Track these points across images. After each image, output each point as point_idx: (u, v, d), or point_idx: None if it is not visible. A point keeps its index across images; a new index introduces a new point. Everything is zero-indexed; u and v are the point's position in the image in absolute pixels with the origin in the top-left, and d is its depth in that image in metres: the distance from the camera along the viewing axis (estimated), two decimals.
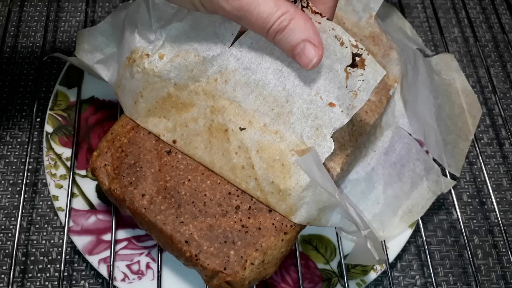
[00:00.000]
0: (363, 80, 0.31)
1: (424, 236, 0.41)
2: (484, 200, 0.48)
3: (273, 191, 0.33)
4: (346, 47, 0.31)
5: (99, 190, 0.43)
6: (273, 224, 0.34)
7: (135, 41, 0.35)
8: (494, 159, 0.50)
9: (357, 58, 0.31)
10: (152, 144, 0.36)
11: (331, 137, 0.33)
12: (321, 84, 0.32)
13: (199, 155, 0.35)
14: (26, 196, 0.45)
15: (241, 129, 0.34)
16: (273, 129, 0.34)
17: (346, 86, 0.32)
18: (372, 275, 0.41)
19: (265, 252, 0.33)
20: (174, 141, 0.36)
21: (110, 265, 0.39)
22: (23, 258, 0.43)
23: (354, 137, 0.39)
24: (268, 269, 0.34)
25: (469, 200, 0.48)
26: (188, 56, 0.34)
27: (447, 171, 0.43)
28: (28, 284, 0.42)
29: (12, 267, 0.38)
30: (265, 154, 0.34)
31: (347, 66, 0.31)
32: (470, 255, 0.40)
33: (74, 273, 0.42)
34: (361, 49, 0.31)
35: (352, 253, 0.37)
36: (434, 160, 0.43)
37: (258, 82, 0.34)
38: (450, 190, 0.43)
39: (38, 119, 0.48)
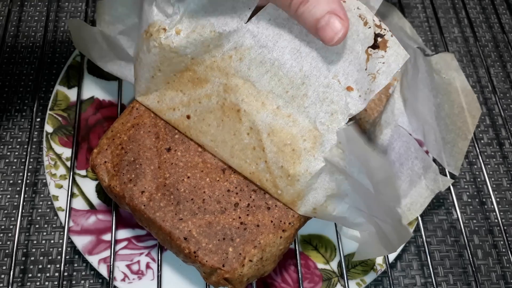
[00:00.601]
0: (383, 63, 0.30)
1: (424, 236, 0.41)
2: (484, 200, 0.48)
3: (282, 175, 0.33)
4: (370, 27, 0.29)
5: (99, 190, 0.43)
6: (272, 221, 0.34)
7: (152, 14, 0.34)
8: (494, 159, 0.50)
9: (379, 39, 0.29)
10: (152, 141, 0.36)
11: (346, 123, 0.32)
12: (340, 66, 0.31)
13: (211, 132, 0.35)
14: (26, 196, 0.45)
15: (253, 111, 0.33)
16: (286, 112, 0.33)
17: (366, 69, 0.30)
18: (372, 275, 0.41)
19: (263, 249, 0.33)
20: (188, 116, 0.35)
21: (110, 265, 0.39)
22: (23, 258, 0.43)
23: None
24: (266, 266, 0.34)
25: (469, 200, 0.48)
26: (204, 32, 0.33)
27: (446, 170, 0.43)
28: (28, 284, 0.42)
29: (12, 267, 0.38)
30: (276, 137, 0.33)
31: (368, 47, 0.30)
32: (470, 255, 0.40)
33: (74, 273, 0.42)
34: (384, 29, 0.29)
35: (358, 250, 0.36)
36: (433, 159, 0.43)
37: (274, 61, 0.33)
38: (450, 190, 0.43)
39: (38, 119, 0.48)
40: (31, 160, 0.46)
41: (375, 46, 0.30)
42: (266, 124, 0.33)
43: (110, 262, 0.38)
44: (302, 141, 0.32)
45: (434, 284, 0.39)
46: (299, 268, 0.39)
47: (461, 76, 0.43)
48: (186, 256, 0.34)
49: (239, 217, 0.34)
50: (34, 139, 0.47)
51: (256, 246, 0.33)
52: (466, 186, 0.48)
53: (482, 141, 0.51)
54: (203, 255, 0.33)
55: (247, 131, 0.33)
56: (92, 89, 0.47)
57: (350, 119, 0.32)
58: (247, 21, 0.32)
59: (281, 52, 0.32)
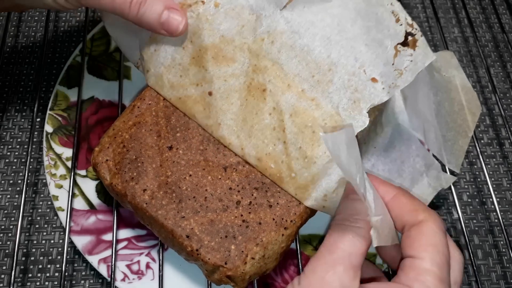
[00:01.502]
0: (411, 61, 0.31)
1: None
2: (484, 200, 0.48)
3: (298, 157, 0.33)
4: (401, 25, 0.31)
5: (99, 190, 0.43)
6: (274, 219, 0.34)
7: None
8: (494, 159, 0.50)
9: (409, 37, 0.31)
10: (153, 140, 0.36)
11: (367, 112, 0.33)
12: (367, 57, 0.32)
13: (233, 111, 0.35)
14: (26, 196, 0.45)
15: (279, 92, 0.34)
16: (310, 95, 0.34)
17: (393, 64, 0.32)
18: None
19: (265, 247, 0.33)
20: (210, 93, 0.36)
21: (112, 265, 0.39)
22: (23, 258, 0.43)
23: None
24: (268, 264, 0.34)
25: (469, 200, 0.48)
26: (243, 12, 0.35)
27: (447, 168, 0.43)
28: (28, 284, 0.42)
29: (14, 267, 0.38)
30: (298, 119, 0.34)
31: (397, 44, 0.31)
32: (471, 255, 0.40)
33: (74, 273, 0.42)
34: (416, 29, 0.31)
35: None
36: (434, 156, 0.43)
37: (304, 47, 0.34)
38: (451, 189, 0.43)
39: (38, 119, 0.48)
40: (31, 160, 0.46)
41: (405, 43, 0.31)
42: (289, 105, 0.34)
43: (112, 262, 0.38)
44: (323, 124, 0.33)
45: None
46: (300, 268, 0.39)
47: (461, 74, 0.43)
48: (189, 254, 0.34)
49: (241, 215, 0.34)
50: (34, 139, 0.47)
51: (258, 244, 0.33)
52: (466, 186, 0.48)
53: (482, 141, 0.51)
54: (205, 253, 0.33)
55: (269, 111, 0.34)
56: (92, 89, 0.47)
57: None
58: (283, 8, 0.34)
59: (311, 38, 0.34)
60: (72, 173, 0.42)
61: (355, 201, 0.30)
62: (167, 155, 0.36)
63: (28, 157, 0.41)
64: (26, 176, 0.40)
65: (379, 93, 0.32)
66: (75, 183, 0.43)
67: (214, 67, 0.36)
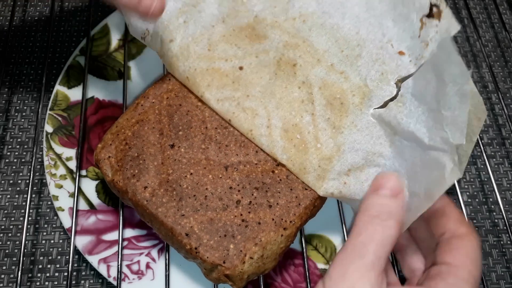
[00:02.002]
0: (436, 32, 0.32)
1: None
2: (484, 200, 0.48)
3: (326, 127, 0.35)
4: None
5: (99, 190, 0.43)
6: (273, 219, 0.34)
7: None
8: (494, 159, 0.50)
9: (434, 9, 0.32)
10: (155, 137, 0.36)
11: (395, 83, 0.34)
12: (395, 32, 0.35)
13: (262, 84, 0.36)
14: (26, 196, 0.45)
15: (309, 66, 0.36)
16: (339, 69, 0.36)
17: (419, 36, 0.33)
18: None
19: (264, 246, 0.33)
20: (241, 68, 0.37)
21: (118, 264, 0.39)
22: (24, 258, 0.43)
23: None
24: (267, 264, 0.34)
25: (469, 200, 0.48)
26: None
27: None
28: (28, 284, 0.42)
29: (20, 269, 0.37)
30: (327, 91, 0.35)
31: (423, 16, 0.33)
32: None
33: (74, 273, 0.42)
34: (440, 0, 0.32)
35: None
36: None
37: (334, 25, 0.36)
38: (452, 189, 0.43)
39: (38, 119, 0.48)
40: (31, 160, 0.46)
41: (430, 15, 0.32)
42: (319, 79, 0.36)
43: (118, 261, 0.38)
44: (352, 96, 0.35)
45: None
46: (306, 267, 0.39)
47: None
48: (188, 252, 0.34)
49: (241, 214, 0.34)
50: (33, 139, 0.47)
51: (257, 244, 0.33)
52: (466, 186, 0.48)
53: (483, 141, 0.51)
54: (204, 252, 0.33)
55: (299, 85, 0.36)
56: (92, 89, 0.47)
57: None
58: None
59: (341, 17, 0.36)
60: (78, 173, 0.41)
61: (386, 197, 0.30)
62: (168, 153, 0.36)
63: (34, 157, 0.41)
64: (32, 176, 0.40)
65: (406, 65, 0.34)
66: (75, 183, 0.43)
67: (247, 45, 0.37)
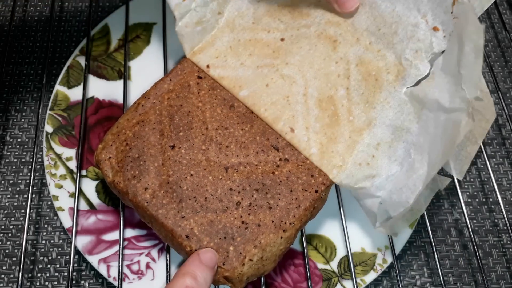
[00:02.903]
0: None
1: (424, 236, 0.41)
2: (484, 200, 0.48)
3: (359, 101, 0.37)
4: None
5: (99, 190, 0.43)
6: (273, 221, 0.34)
7: None
8: (494, 159, 0.50)
9: None
10: (156, 138, 0.36)
11: (428, 61, 0.36)
12: (429, 7, 0.36)
13: (301, 54, 0.39)
14: (26, 196, 0.45)
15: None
16: (376, 48, 0.38)
17: (452, 12, 0.35)
18: (372, 275, 0.41)
19: (264, 249, 0.33)
20: (282, 39, 0.39)
21: (119, 265, 0.39)
22: (23, 258, 0.43)
23: None
24: (266, 266, 0.34)
25: (469, 200, 0.48)
26: None
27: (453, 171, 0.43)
28: (28, 284, 0.42)
29: (21, 269, 0.37)
30: (363, 68, 0.38)
31: None
32: (477, 256, 0.40)
33: (74, 273, 0.42)
34: None
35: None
36: None
37: (372, 4, 0.39)
38: (452, 189, 0.43)
39: (38, 119, 0.48)
40: (31, 160, 0.46)
41: None
42: (356, 57, 0.38)
43: (119, 262, 0.38)
44: (386, 73, 0.37)
45: (434, 284, 0.39)
46: (307, 267, 0.39)
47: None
48: (188, 254, 0.34)
49: (241, 216, 0.34)
50: (33, 139, 0.47)
51: (256, 246, 0.33)
52: (466, 186, 0.48)
53: (483, 141, 0.51)
54: None
55: (336, 60, 0.38)
56: (92, 89, 0.47)
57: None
58: None
59: None
60: (78, 173, 0.41)
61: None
62: (169, 154, 0.36)
63: (35, 158, 0.41)
64: (32, 176, 0.40)
65: (440, 42, 0.36)
66: (75, 183, 0.43)
67: (289, 20, 0.40)
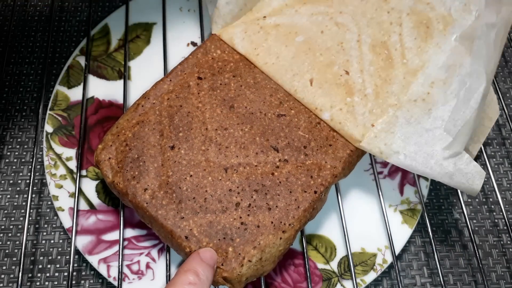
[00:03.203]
0: None
1: (424, 236, 0.41)
2: (484, 200, 0.48)
3: (412, 46, 0.39)
4: None
5: (99, 190, 0.43)
6: (272, 222, 0.34)
7: None
8: (494, 159, 0.50)
9: None
10: (156, 139, 0.36)
11: (475, 13, 0.38)
12: None
13: (354, 4, 0.41)
14: (26, 196, 0.45)
15: None
16: (426, 0, 0.40)
17: None
18: (372, 275, 0.41)
19: (263, 250, 0.33)
20: None
21: (119, 265, 0.39)
22: (23, 258, 0.43)
23: None
24: (265, 267, 0.34)
25: (469, 200, 0.48)
26: None
27: None
28: (28, 284, 0.42)
29: (21, 269, 0.37)
30: (414, 17, 0.40)
31: None
32: (477, 256, 0.40)
33: (74, 273, 0.42)
34: None
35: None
36: None
37: None
38: (452, 189, 0.43)
39: (38, 119, 0.48)
40: (31, 160, 0.46)
41: None
42: (407, 7, 0.40)
43: (119, 262, 0.38)
44: (436, 23, 0.39)
45: (434, 284, 0.39)
46: (307, 268, 0.39)
47: None
48: (187, 255, 0.34)
49: (240, 217, 0.34)
50: (33, 139, 0.47)
51: (255, 247, 0.33)
52: None
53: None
54: None
55: (388, 10, 0.41)
56: (92, 89, 0.47)
57: None
58: None
59: None
60: (78, 173, 0.41)
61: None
62: (169, 155, 0.36)
63: (35, 158, 0.41)
64: (32, 176, 0.40)
65: None
66: (75, 183, 0.43)
67: None
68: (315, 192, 0.35)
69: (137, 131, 0.37)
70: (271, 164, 0.36)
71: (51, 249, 0.43)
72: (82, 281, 0.42)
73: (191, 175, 0.35)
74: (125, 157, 0.36)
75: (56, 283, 0.42)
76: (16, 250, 0.43)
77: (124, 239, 0.41)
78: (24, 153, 0.47)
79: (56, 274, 0.42)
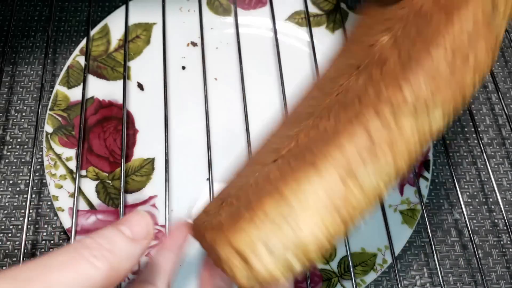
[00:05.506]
0: None
1: (424, 236, 0.41)
2: (484, 200, 0.48)
3: None
4: None
5: (99, 190, 0.43)
6: None
7: None
8: (494, 159, 0.50)
9: None
10: None
11: None
12: None
13: None
14: (26, 196, 0.45)
15: None
16: None
17: None
18: (372, 275, 0.41)
19: None
20: None
21: None
22: (23, 259, 0.43)
23: None
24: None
25: (469, 200, 0.48)
26: None
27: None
28: None
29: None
30: None
31: None
32: (477, 256, 0.40)
33: None
34: None
35: None
36: None
37: None
38: (452, 189, 0.43)
39: (38, 119, 0.48)
40: (31, 160, 0.46)
41: None
42: None
43: None
44: None
45: (434, 284, 0.39)
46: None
47: None
48: None
49: None
50: (33, 139, 0.47)
51: None
52: (466, 186, 0.48)
53: (483, 141, 0.51)
54: None
55: None
56: (92, 89, 0.47)
57: None
58: None
59: None
60: (78, 174, 0.41)
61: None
62: None
63: (34, 158, 0.41)
64: (32, 176, 0.40)
65: None
66: (75, 183, 0.43)
67: None
68: None
69: None
70: None
71: (51, 249, 0.43)
72: None
73: None
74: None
75: None
76: (16, 250, 0.43)
77: None
78: (24, 153, 0.47)
79: None
